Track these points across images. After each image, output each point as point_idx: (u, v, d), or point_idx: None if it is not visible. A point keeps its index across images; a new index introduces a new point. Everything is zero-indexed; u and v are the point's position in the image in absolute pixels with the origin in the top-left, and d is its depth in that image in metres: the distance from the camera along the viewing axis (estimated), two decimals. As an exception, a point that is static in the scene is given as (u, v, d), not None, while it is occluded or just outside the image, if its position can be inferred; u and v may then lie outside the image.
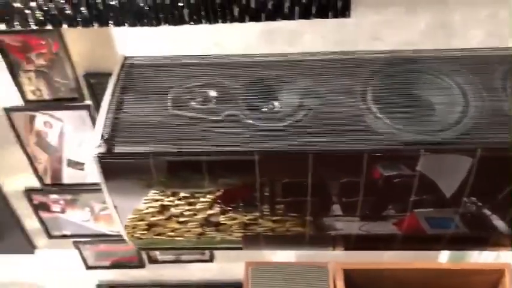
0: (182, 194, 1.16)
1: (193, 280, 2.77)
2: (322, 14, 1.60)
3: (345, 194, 1.15)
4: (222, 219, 1.26)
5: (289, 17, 1.62)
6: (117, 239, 2.54)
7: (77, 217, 2.46)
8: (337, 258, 2.40)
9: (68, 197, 2.37)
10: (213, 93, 1.08)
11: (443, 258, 2.36)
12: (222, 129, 1.03)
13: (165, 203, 1.18)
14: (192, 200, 1.21)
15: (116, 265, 2.74)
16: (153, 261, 2.70)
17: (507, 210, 1.13)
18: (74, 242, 2.60)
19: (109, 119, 1.03)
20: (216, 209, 1.21)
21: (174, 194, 1.16)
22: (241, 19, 1.64)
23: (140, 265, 2.72)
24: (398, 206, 1.19)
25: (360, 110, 1.03)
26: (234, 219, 1.29)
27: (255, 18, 1.64)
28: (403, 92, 1.07)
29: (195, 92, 1.07)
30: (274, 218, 1.25)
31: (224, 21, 1.65)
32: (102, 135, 1.01)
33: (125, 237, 1.24)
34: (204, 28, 1.66)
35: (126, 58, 1.16)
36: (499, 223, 1.17)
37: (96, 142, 0.99)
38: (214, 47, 1.75)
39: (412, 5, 1.63)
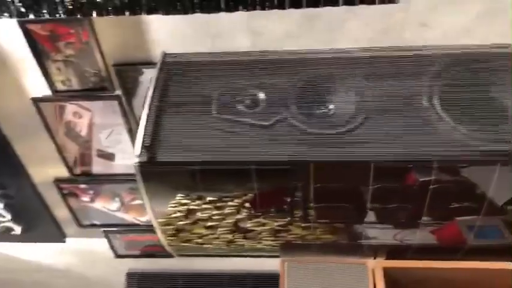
0: (209, 198, 1.09)
1: (225, 270, 2.73)
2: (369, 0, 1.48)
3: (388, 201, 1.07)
4: (250, 225, 1.20)
5: (333, 2, 1.51)
6: (147, 228, 2.52)
7: (107, 207, 2.43)
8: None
9: (97, 187, 2.33)
10: (261, 95, 0.99)
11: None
12: (272, 134, 0.95)
13: (191, 207, 1.13)
14: (219, 205, 1.14)
15: (146, 254, 2.72)
16: (183, 250, 2.66)
17: None
18: (104, 231, 2.57)
19: (149, 125, 0.96)
20: (244, 214, 1.15)
21: (200, 198, 1.10)
22: (280, 6, 1.53)
23: (170, 254, 2.69)
24: (440, 214, 1.11)
25: (426, 114, 0.93)
26: (264, 225, 1.23)
27: (296, 4, 1.52)
28: (472, 95, 0.97)
29: (241, 95, 0.99)
30: (305, 225, 1.18)
31: (262, 8, 1.54)
32: (143, 144, 0.93)
33: (164, 244, 1.18)
34: (239, 16, 1.55)
35: (165, 55, 1.08)
36: None
37: (137, 151, 0.92)
38: (252, 36, 1.65)
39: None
